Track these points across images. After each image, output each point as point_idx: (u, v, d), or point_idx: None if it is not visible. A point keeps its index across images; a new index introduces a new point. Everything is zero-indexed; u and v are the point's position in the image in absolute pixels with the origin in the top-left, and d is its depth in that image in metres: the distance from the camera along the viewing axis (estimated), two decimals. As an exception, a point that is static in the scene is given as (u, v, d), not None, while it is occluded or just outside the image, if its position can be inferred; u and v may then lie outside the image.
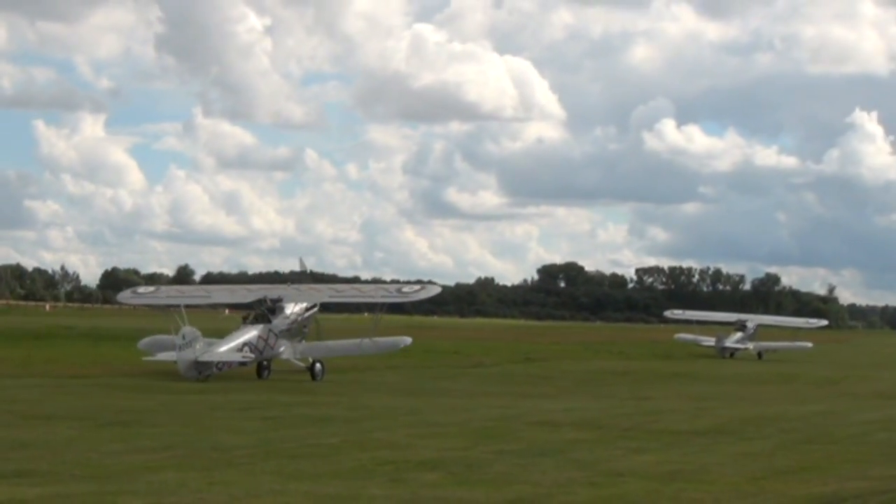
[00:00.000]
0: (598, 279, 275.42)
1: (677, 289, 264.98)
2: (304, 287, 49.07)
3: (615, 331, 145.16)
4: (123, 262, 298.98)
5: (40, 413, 27.79)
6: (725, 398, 39.93)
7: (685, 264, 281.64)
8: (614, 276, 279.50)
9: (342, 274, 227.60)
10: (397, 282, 68.13)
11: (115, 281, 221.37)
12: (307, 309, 46.75)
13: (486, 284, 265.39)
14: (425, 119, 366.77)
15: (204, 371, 41.03)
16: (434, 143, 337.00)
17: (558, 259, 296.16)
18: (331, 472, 18.88)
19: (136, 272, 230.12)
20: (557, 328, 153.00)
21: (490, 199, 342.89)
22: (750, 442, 25.47)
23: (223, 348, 42.60)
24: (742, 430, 28.12)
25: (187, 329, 41.14)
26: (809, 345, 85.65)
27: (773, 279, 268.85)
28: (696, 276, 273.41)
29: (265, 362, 44.77)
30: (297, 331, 46.01)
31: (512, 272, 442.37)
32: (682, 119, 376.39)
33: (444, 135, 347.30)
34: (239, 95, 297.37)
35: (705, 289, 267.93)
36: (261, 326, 44.45)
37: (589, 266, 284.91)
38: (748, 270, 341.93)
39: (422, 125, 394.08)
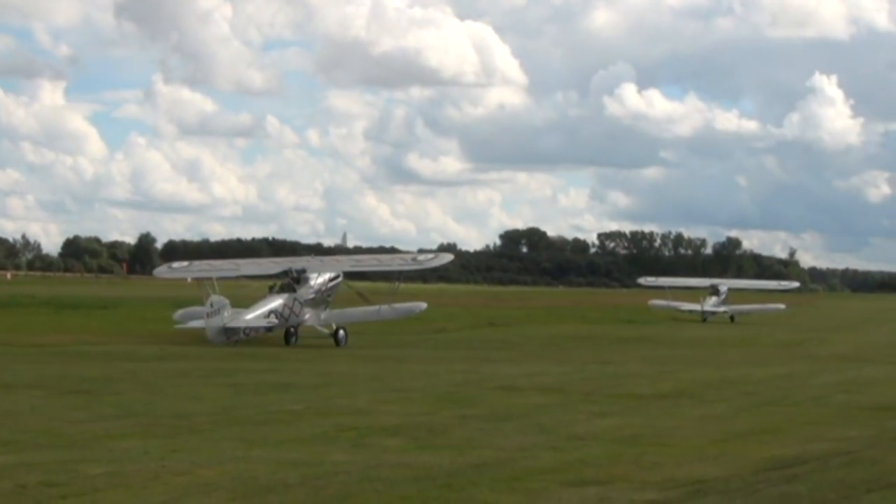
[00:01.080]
0: (560, 244, 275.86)
1: (639, 253, 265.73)
2: (326, 258, 54.16)
3: (577, 295, 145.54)
4: (84, 230, 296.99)
5: (1, 381, 27.65)
6: (687, 362, 40.06)
7: (646, 229, 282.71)
8: (576, 241, 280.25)
9: (304, 241, 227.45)
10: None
11: (76, 250, 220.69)
12: (331, 279, 49.57)
13: (449, 250, 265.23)
14: (386, 85, 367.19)
15: (231, 336, 43.98)
16: (395, 110, 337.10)
17: (520, 224, 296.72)
18: (294, 438, 18.86)
19: (97, 241, 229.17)
20: (520, 293, 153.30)
21: (452, 164, 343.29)
22: (711, 405, 25.57)
23: (250, 315, 45.46)
24: (703, 393, 28.23)
25: (215, 297, 44.33)
26: (783, 306, 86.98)
27: (734, 243, 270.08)
28: (658, 241, 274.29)
29: (292, 329, 47.24)
30: (321, 299, 48.81)
31: (474, 238, 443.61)
32: (643, 84, 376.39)
33: (405, 101, 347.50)
34: (199, 62, 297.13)
35: (667, 253, 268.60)
36: (286, 295, 47.38)
37: (551, 231, 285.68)
38: (709, 234, 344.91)
39: (383, 91, 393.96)
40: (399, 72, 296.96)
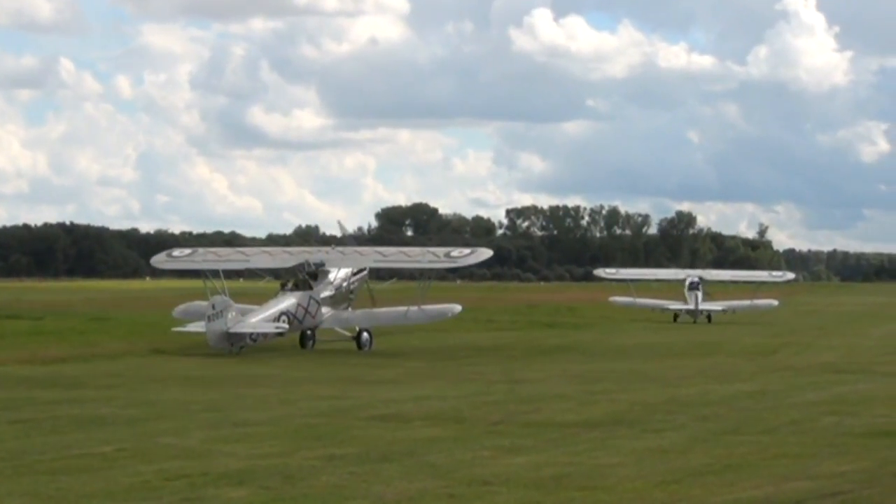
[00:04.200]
0: (456, 225, 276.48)
1: (561, 234, 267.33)
2: (348, 250, 58.60)
3: (480, 292, 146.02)
4: None
5: None
6: (626, 378, 40.41)
7: (570, 203, 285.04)
8: (478, 219, 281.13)
9: (114, 226, 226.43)
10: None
11: None
12: (353, 274, 56.07)
13: (309, 234, 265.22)
14: (219, 16, 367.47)
15: (236, 343, 48.51)
16: (232, 48, 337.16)
17: (403, 199, 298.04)
18: (103, 490, 18.83)
19: None
20: (404, 291, 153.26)
21: (309, 120, 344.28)
22: (658, 434, 25.87)
23: (257, 318, 50.59)
24: (648, 419, 28.54)
25: (218, 298, 49.25)
26: (775, 302, 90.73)
27: (685, 219, 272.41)
28: (586, 218, 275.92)
29: (309, 332, 54.07)
30: (341, 297, 55.32)
31: (342, 218, 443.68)
32: (561, 9, 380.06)
33: (244, 36, 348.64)
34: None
35: (598, 234, 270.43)
36: (300, 294, 53.32)
37: (444, 208, 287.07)
38: (653, 209, 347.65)
39: (215, 24, 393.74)
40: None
